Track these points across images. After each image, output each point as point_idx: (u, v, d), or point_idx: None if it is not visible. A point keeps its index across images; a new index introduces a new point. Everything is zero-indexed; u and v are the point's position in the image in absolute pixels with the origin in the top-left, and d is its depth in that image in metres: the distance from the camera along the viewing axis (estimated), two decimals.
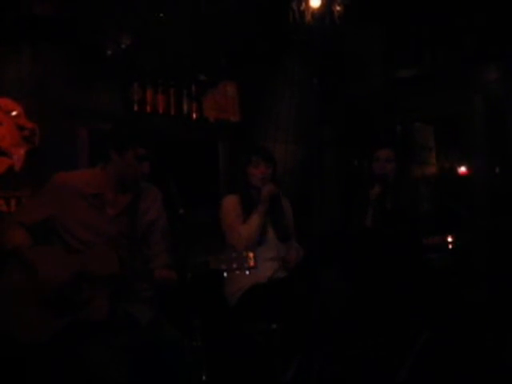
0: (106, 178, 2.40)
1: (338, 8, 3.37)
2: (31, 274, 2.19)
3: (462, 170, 4.37)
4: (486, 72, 3.93)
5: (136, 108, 3.55)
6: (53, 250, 2.30)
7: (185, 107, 3.78)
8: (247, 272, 2.26)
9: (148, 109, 3.59)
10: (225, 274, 2.26)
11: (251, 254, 2.26)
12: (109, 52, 3.38)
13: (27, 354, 2.16)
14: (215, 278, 2.93)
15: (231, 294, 2.95)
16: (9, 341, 2.15)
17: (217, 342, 2.66)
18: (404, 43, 4.11)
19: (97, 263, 2.22)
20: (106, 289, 2.20)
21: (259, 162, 2.99)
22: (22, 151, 3.11)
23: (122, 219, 2.39)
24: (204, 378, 2.18)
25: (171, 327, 2.36)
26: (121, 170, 2.36)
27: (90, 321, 2.15)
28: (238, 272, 2.27)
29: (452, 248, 3.67)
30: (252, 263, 2.24)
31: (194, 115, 3.82)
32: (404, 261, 3.15)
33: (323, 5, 3.44)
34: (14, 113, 3.10)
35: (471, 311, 3.37)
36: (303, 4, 3.42)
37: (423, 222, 3.62)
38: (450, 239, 3.67)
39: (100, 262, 2.22)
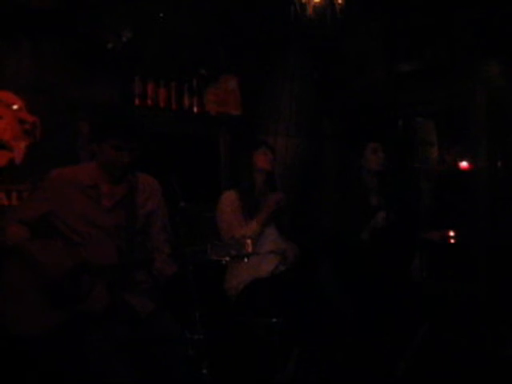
0: (99, 169, 2.41)
1: (339, 1, 3.36)
2: (32, 267, 2.20)
3: (464, 164, 4.35)
4: (487, 66, 3.91)
5: (137, 102, 3.55)
6: (53, 243, 2.29)
7: (186, 101, 3.78)
8: (245, 259, 2.27)
9: (149, 103, 3.59)
10: (223, 262, 2.27)
11: (249, 241, 2.27)
12: (110, 45, 3.38)
13: (28, 348, 2.17)
14: (216, 271, 2.95)
15: (232, 287, 2.96)
16: (9, 334, 2.15)
17: (217, 336, 2.67)
18: (405, 37, 4.10)
19: (96, 255, 2.23)
20: (105, 279, 2.21)
21: (266, 151, 3.11)
22: (22, 145, 3.12)
23: (118, 211, 2.39)
24: (204, 371, 2.18)
25: (172, 320, 2.36)
26: (103, 161, 2.37)
27: (91, 311, 2.16)
28: (236, 259, 2.28)
29: (453, 243, 3.66)
30: (250, 249, 2.26)
31: (195, 109, 3.82)
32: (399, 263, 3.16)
33: None
34: (14, 106, 3.10)
35: (470, 305, 3.37)
36: None
37: (424, 216, 3.62)
38: (451, 234, 3.66)
39: (99, 254, 2.23)
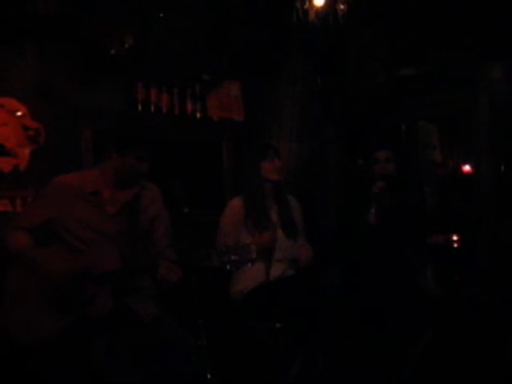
0: (103, 175, 2.43)
1: (341, 7, 3.37)
2: (35, 274, 2.21)
3: (467, 168, 4.36)
4: (490, 70, 3.91)
5: (140, 108, 3.55)
6: (55, 250, 2.31)
7: (189, 107, 3.78)
8: (249, 264, 2.28)
9: (152, 108, 3.60)
10: (228, 267, 2.28)
11: (253, 246, 2.30)
12: (113, 51, 3.39)
13: (31, 354, 2.17)
14: (220, 277, 2.95)
15: (237, 292, 2.96)
16: (13, 341, 2.16)
17: (221, 341, 2.67)
18: (407, 41, 4.10)
19: (99, 261, 2.24)
20: (109, 285, 2.22)
21: (273, 157, 3.07)
22: (26, 151, 3.12)
23: (121, 217, 2.41)
24: (209, 376, 2.19)
25: (176, 325, 2.37)
26: (120, 169, 2.39)
27: (94, 317, 2.16)
28: (240, 265, 2.29)
29: (457, 247, 3.66)
30: (254, 255, 2.28)
31: (198, 115, 3.82)
32: (405, 259, 3.15)
33: (327, 3, 3.44)
34: (18, 113, 3.11)
35: (474, 309, 3.37)
36: (307, 3, 3.41)
37: (427, 220, 3.62)
38: (454, 238, 3.66)
39: (102, 259, 2.25)
